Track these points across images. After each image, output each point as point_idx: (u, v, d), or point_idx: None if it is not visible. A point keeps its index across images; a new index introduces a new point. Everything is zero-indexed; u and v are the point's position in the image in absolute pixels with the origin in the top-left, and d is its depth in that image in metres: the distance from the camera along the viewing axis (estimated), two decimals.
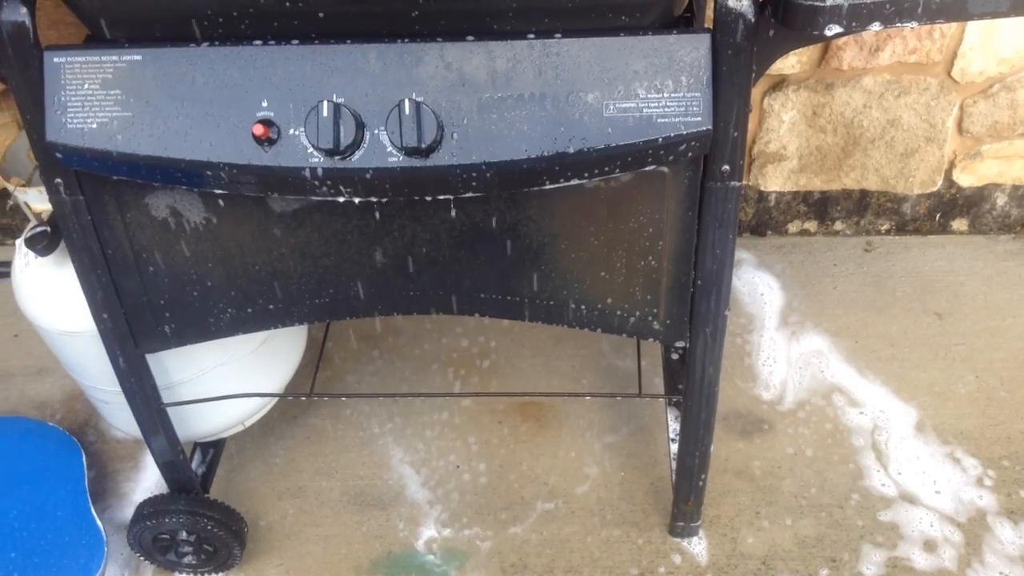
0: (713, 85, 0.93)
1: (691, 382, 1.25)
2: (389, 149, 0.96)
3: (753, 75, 0.95)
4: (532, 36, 0.93)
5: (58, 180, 1.05)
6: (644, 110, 0.93)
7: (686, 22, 1.00)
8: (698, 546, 1.51)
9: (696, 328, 1.17)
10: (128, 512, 1.57)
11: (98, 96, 0.97)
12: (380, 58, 0.95)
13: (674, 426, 1.53)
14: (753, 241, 2.07)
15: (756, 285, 1.95)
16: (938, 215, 2.04)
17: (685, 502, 1.45)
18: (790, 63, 1.79)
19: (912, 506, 1.54)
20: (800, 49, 1.77)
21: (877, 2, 0.84)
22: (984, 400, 1.70)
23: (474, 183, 0.98)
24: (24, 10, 0.94)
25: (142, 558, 1.48)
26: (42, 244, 1.20)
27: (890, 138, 1.89)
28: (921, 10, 0.85)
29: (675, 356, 1.60)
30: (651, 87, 0.93)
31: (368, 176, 0.97)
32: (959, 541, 1.49)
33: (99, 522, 1.48)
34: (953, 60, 1.79)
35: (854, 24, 0.86)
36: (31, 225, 1.25)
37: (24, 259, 1.31)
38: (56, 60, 0.97)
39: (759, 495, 1.57)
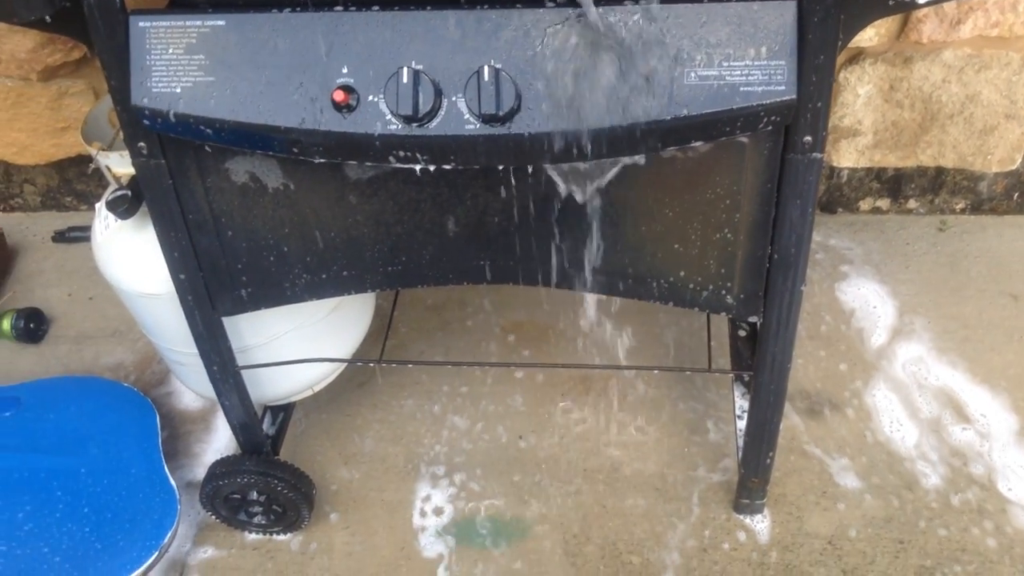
0: (798, 53, 0.91)
1: (762, 358, 1.24)
2: (466, 116, 0.96)
3: (839, 44, 0.92)
4: (614, 3, 0.92)
5: (141, 144, 1.06)
6: (727, 78, 0.92)
7: None
8: (762, 524, 1.50)
9: (770, 304, 1.16)
10: (199, 472, 1.61)
11: (182, 61, 0.98)
12: (459, 24, 0.95)
13: (741, 403, 1.52)
14: (823, 218, 2.03)
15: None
16: (1016, 195, 1.98)
17: (751, 479, 1.44)
18: (868, 35, 1.75)
19: (983, 491, 1.51)
20: (880, 21, 1.72)
21: None
22: None
23: (550, 152, 0.97)
24: None
25: (213, 517, 1.52)
26: (123, 207, 1.22)
27: (969, 114, 1.83)
28: None
29: (742, 332, 1.59)
30: (734, 55, 0.91)
31: (445, 143, 0.97)
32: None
33: (172, 481, 1.51)
34: None
35: None
36: (112, 188, 1.27)
37: (104, 222, 1.34)
38: (141, 25, 0.98)
39: (826, 474, 1.55)
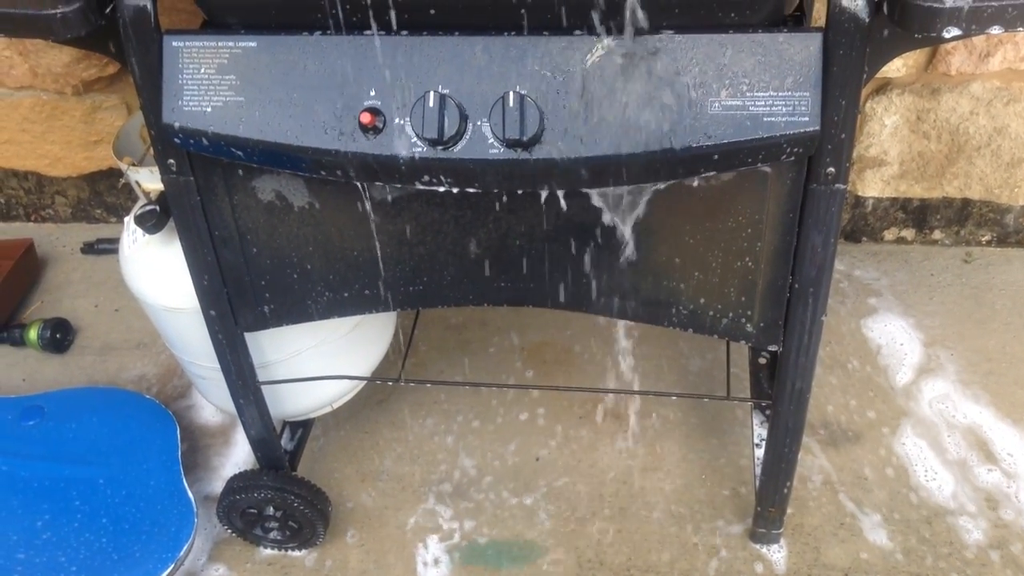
0: (823, 85, 0.92)
1: (782, 387, 1.23)
2: (491, 141, 0.96)
3: (864, 76, 0.93)
4: (639, 32, 0.93)
5: (171, 161, 1.08)
6: (751, 108, 0.92)
7: (796, 20, 0.99)
8: (778, 554, 1.49)
9: (791, 333, 1.16)
10: (217, 486, 1.62)
11: (214, 80, 1.00)
12: (486, 51, 0.96)
13: (759, 431, 1.51)
14: (847, 247, 2.02)
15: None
16: None
17: (768, 509, 1.43)
18: (896, 67, 1.75)
19: (1008, 532, 1.49)
20: (908, 52, 1.72)
21: (1000, 5, 0.82)
22: None
23: (573, 178, 0.98)
24: None
25: (229, 531, 1.53)
26: (151, 222, 1.24)
27: (996, 147, 1.83)
28: None
29: (762, 360, 1.58)
30: (759, 85, 0.92)
31: (469, 167, 0.98)
32: None
33: (190, 494, 1.52)
34: None
35: (974, 27, 0.84)
36: (140, 203, 1.29)
37: (132, 236, 1.36)
38: (175, 44, 1.00)
39: (845, 506, 1.54)
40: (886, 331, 1.81)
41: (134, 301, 1.39)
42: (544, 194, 1.08)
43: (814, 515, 1.53)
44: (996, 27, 0.84)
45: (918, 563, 1.46)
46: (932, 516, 1.52)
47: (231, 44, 1.00)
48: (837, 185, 0.99)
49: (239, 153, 1.02)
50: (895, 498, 1.54)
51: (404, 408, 1.75)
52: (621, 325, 1.87)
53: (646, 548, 1.51)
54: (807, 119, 0.92)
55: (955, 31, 0.84)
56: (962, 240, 2.01)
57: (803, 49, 0.91)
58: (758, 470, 1.44)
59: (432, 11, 0.95)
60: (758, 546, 1.50)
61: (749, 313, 1.16)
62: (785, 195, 1.03)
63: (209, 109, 1.01)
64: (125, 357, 1.89)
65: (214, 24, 1.02)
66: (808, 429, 1.65)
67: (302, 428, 1.59)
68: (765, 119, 0.92)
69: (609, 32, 0.93)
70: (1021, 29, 0.84)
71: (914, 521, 1.51)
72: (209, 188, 1.11)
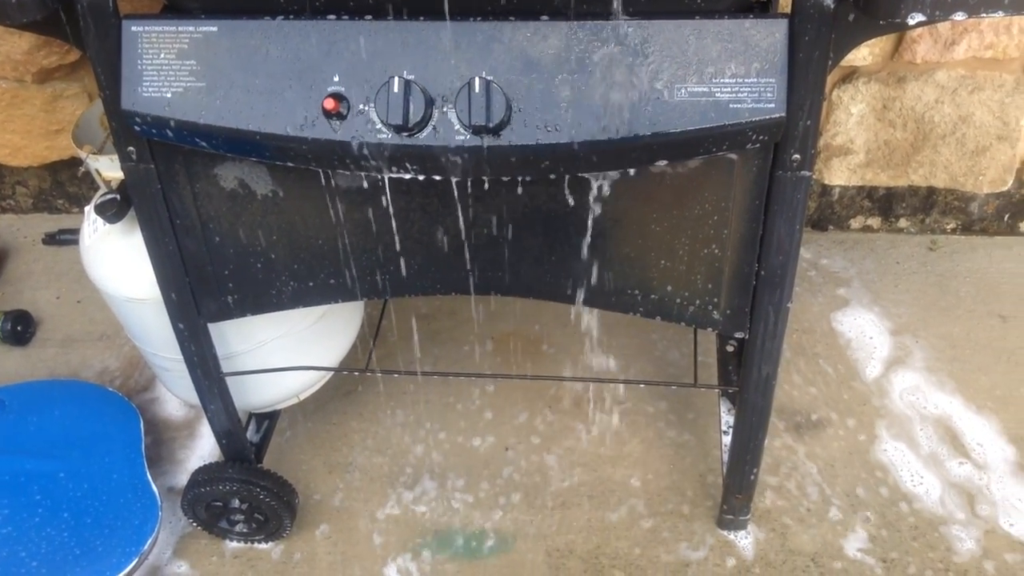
0: (788, 72, 0.92)
1: (748, 374, 1.24)
2: (457, 127, 0.96)
3: (830, 63, 0.93)
4: (605, 17, 0.92)
5: (131, 148, 1.06)
6: (716, 95, 0.92)
7: (762, 7, 0.98)
8: (745, 540, 1.50)
9: (756, 320, 1.16)
10: (182, 479, 1.60)
11: (174, 66, 0.98)
12: (452, 36, 0.95)
13: (727, 418, 1.52)
14: (814, 236, 2.03)
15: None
16: (1006, 215, 1.99)
17: (735, 495, 1.44)
18: (862, 55, 1.75)
19: (957, 503, 1.51)
20: (874, 40, 1.73)
21: None
22: None
23: (539, 164, 0.98)
24: None
25: (194, 524, 1.51)
26: (111, 211, 1.22)
27: (961, 135, 1.84)
28: (1009, 0, 0.82)
29: (730, 348, 1.59)
30: (724, 72, 0.92)
31: (435, 154, 0.97)
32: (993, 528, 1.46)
33: (154, 487, 1.50)
34: None
35: (937, 13, 0.84)
36: (101, 192, 1.27)
37: (93, 226, 1.34)
38: (134, 29, 0.98)
39: (811, 493, 1.55)
40: (855, 324, 1.82)
41: (96, 292, 1.37)
42: (510, 181, 1.07)
43: (782, 502, 1.54)
44: (960, 13, 0.84)
45: (882, 547, 1.47)
46: (916, 517, 1.53)
47: (191, 29, 0.98)
48: (803, 172, 0.99)
49: (200, 140, 1.00)
50: (863, 486, 1.56)
51: (372, 399, 1.74)
52: (592, 314, 1.86)
53: (615, 536, 1.51)
54: (773, 105, 0.92)
55: (919, 17, 0.84)
56: (927, 228, 2.03)
57: (769, 35, 0.91)
58: (726, 457, 1.45)
59: None
60: (726, 532, 1.50)
61: (716, 300, 1.16)
62: (751, 182, 1.03)
63: (169, 95, 0.99)
64: (88, 349, 1.86)
65: (174, 8, 1.00)
66: (777, 418, 1.66)
67: (268, 420, 1.57)
68: (731, 105, 0.92)
69: (576, 18, 0.92)
70: (985, 15, 0.85)
71: (879, 504, 1.52)
72: (170, 176, 1.09)
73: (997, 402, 1.67)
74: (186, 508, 1.47)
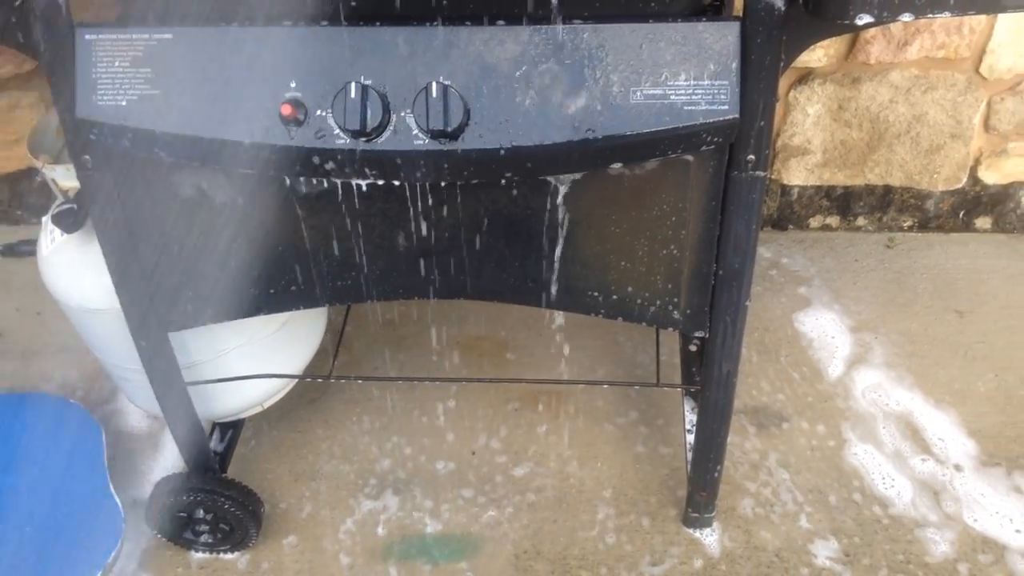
0: (741, 74, 0.93)
1: (709, 373, 1.25)
2: (415, 132, 0.96)
3: (781, 64, 0.94)
4: (561, 22, 0.93)
5: (86, 157, 1.05)
6: (671, 97, 0.93)
7: (715, 10, 1.00)
8: (711, 537, 1.51)
9: (716, 319, 1.17)
10: (146, 490, 1.58)
11: (128, 74, 0.98)
12: (408, 41, 0.95)
13: (690, 417, 1.53)
14: (774, 235, 2.06)
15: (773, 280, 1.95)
16: (961, 213, 2.02)
17: (699, 493, 1.45)
18: (817, 56, 1.78)
19: (923, 500, 1.54)
20: (827, 42, 1.76)
21: None
22: (1003, 399, 1.69)
23: (498, 168, 0.98)
24: None
25: (159, 536, 1.49)
26: (68, 221, 1.21)
27: (915, 134, 1.87)
28: (954, 0, 0.84)
29: (692, 347, 1.60)
30: (679, 74, 0.93)
31: (393, 158, 0.97)
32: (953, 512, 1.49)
33: (117, 499, 1.49)
34: (981, 56, 1.77)
35: (885, 14, 0.86)
36: (58, 202, 1.26)
37: (50, 236, 1.32)
38: (88, 37, 0.97)
39: (773, 488, 1.57)
40: (817, 324, 1.84)
41: (55, 304, 1.36)
42: (470, 185, 1.07)
43: (746, 499, 1.55)
44: (907, 14, 0.86)
45: (847, 537, 1.49)
46: (879, 510, 1.55)
47: (146, 37, 0.98)
48: (757, 172, 1.01)
49: (156, 147, 1.00)
50: (826, 481, 1.58)
51: (337, 406, 1.74)
52: (557, 316, 1.87)
53: (582, 536, 1.52)
54: (727, 107, 0.93)
55: (867, 18, 0.86)
56: (885, 226, 2.06)
57: (721, 38, 0.93)
58: (690, 455, 1.46)
59: (353, 2, 0.94)
60: (691, 530, 1.51)
61: (676, 300, 1.17)
62: (707, 183, 1.04)
63: (124, 103, 0.98)
64: (48, 361, 1.84)
65: (129, 16, 1.00)
66: (741, 417, 1.67)
67: (232, 429, 1.56)
68: (685, 108, 0.93)
69: (532, 22, 0.93)
70: (931, 16, 0.87)
71: (840, 501, 1.54)
72: (127, 184, 1.09)
73: (955, 396, 1.70)
74: (150, 520, 1.46)
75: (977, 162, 1.93)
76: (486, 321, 1.88)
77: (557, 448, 1.65)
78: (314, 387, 1.75)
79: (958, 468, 1.58)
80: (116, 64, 0.98)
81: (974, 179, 1.96)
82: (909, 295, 1.90)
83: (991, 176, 1.95)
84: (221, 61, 0.97)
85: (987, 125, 1.87)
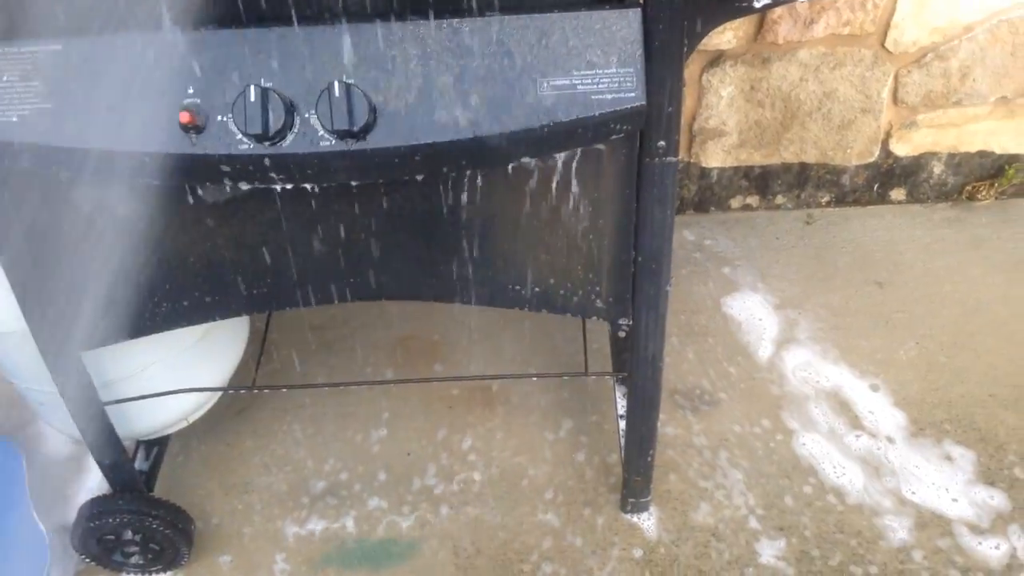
0: (646, 60, 0.93)
1: (636, 358, 1.25)
2: (320, 133, 0.94)
3: (685, 49, 0.94)
4: (466, 15, 0.92)
5: None
6: (578, 87, 0.93)
7: None
8: (648, 521, 1.52)
9: (639, 305, 1.17)
10: (72, 515, 1.53)
11: (18, 88, 0.94)
12: (307, 40, 0.93)
13: (622, 403, 1.54)
14: (697, 218, 2.08)
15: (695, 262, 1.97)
16: (876, 185, 2.07)
17: (635, 478, 1.46)
18: (727, 38, 1.80)
19: (850, 463, 1.57)
20: (736, 23, 1.78)
21: None
22: (925, 366, 1.73)
23: (407, 165, 0.97)
24: None
25: (87, 560, 1.45)
26: None
27: (827, 110, 1.90)
28: None
29: (621, 334, 1.61)
30: (584, 64, 0.92)
31: (300, 161, 0.95)
32: (891, 487, 1.52)
33: (42, 526, 1.44)
34: (886, 31, 1.81)
35: None
36: None
37: None
38: None
39: (707, 469, 1.58)
40: (744, 305, 1.87)
41: None
42: (381, 183, 1.06)
43: (681, 481, 1.57)
44: None
45: (779, 516, 1.51)
46: (811, 488, 1.58)
47: (34, 48, 0.94)
48: (669, 158, 1.01)
49: (53, 164, 0.96)
50: (758, 461, 1.60)
51: (267, 416, 1.70)
52: (487, 312, 1.86)
53: (523, 530, 1.51)
54: (633, 95, 0.93)
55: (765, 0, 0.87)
56: (803, 203, 2.09)
57: (624, 25, 0.92)
58: (623, 442, 1.46)
59: (250, 3, 0.91)
60: (629, 515, 1.52)
61: (598, 289, 1.17)
62: (620, 171, 1.04)
63: (15, 119, 0.94)
64: None
65: (15, 28, 0.96)
66: (674, 401, 1.69)
67: (157, 446, 1.52)
68: (593, 97, 0.93)
69: (436, 17, 0.92)
70: None
71: (772, 474, 1.57)
72: (25, 201, 1.05)
73: (879, 366, 1.73)
74: (77, 544, 1.42)
75: (888, 135, 1.97)
76: (414, 320, 1.86)
77: (494, 445, 1.64)
78: (242, 398, 1.71)
79: (890, 440, 1.61)
80: (4, 78, 0.94)
81: (886, 152, 2.00)
82: (830, 269, 1.94)
83: (903, 148, 2.00)
84: (115, 70, 0.93)
85: (896, 98, 1.91)
